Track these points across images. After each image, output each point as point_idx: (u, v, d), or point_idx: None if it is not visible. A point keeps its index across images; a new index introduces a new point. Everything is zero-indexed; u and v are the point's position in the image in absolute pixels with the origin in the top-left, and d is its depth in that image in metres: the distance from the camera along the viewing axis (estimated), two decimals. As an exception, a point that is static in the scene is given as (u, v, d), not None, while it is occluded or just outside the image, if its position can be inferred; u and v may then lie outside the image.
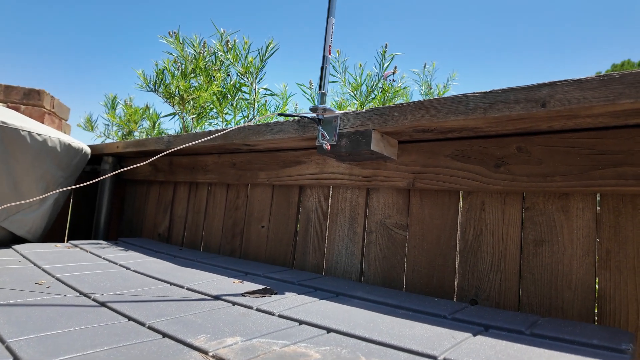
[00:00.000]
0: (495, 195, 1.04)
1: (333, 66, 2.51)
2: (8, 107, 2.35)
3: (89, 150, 2.12)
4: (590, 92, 0.76)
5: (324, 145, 1.13)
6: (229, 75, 2.23)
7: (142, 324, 0.81)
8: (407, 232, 1.19)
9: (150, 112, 2.49)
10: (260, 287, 1.13)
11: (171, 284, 1.17)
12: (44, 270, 1.26)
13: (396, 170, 1.20)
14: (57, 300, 0.95)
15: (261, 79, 2.13)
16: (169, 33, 2.14)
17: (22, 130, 1.55)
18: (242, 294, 1.05)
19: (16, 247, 1.59)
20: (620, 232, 0.87)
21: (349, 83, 2.83)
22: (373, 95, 2.94)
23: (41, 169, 1.67)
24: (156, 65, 2.18)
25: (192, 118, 2.19)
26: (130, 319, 0.85)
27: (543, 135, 0.95)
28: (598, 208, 0.90)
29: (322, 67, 1.17)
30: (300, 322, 0.83)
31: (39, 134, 1.61)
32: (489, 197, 1.05)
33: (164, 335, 0.76)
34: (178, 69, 2.17)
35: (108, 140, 2.47)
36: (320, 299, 1.02)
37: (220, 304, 0.97)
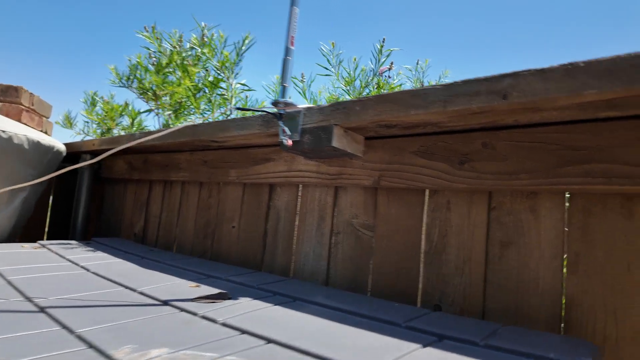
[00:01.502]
0: (462, 194, 0.98)
1: (327, 60, 2.45)
2: (-17, 104, 2.30)
3: (62, 148, 2.06)
4: (554, 83, 0.69)
5: (285, 141, 1.07)
6: (207, 70, 2.17)
7: (72, 332, 0.76)
8: (374, 232, 1.13)
9: (129, 109, 2.43)
10: (217, 291, 1.07)
11: (125, 287, 1.11)
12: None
13: (362, 167, 1.14)
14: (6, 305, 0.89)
15: (237, 73, 2.07)
16: (145, 28, 2.09)
17: (-16, 127, 1.49)
18: (194, 299, 1.00)
19: (-21, 247, 1.54)
20: (589, 233, 0.80)
21: (342, 77, 2.76)
22: (367, 91, 2.87)
23: (7, 167, 1.62)
24: (129, 60, 2.13)
25: (169, 114, 2.14)
26: (64, 326, 0.80)
27: (509, 130, 0.89)
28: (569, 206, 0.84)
29: (284, 59, 1.11)
30: (243, 332, 0.78)
31: (3, 131, 1.56)
32: (455, 196, 0.99)
33: (90, 345, 0.70)
34: (154, 64, 2.12)
35: (87, 138, 2.43)
36: (274, 305, 0.96)
37: (167, 310, 0.91)
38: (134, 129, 2.42)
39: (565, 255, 0.83)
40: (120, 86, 2.18)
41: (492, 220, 0.92)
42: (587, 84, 0.66)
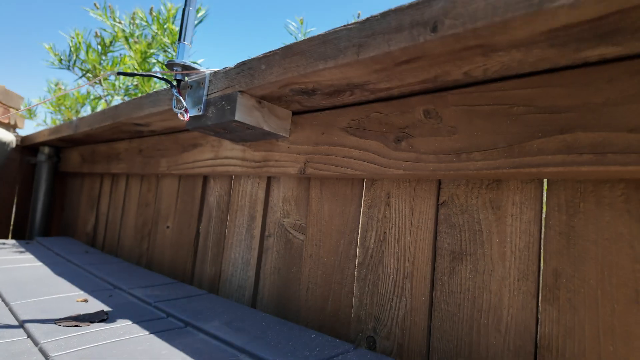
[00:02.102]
0: (404, 185, 0.71)
1: (295, 38, 2.19)
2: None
3: (9, 139, 1.89)
4: (507, -1, 0.42)
5: (179, 115, 0.83)
6: (165, 50, 1.95)
7: None
8: (306, 235, 0.87)
9: (75, 95, 2.23)
10: (97, 310, 0.84)
11: (2, 300, 0.90)
12: None
13: (288, 151, 0.88)
14: None
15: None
16: (95, 5, 1.87)
17: None
18: (60, 320, 0.77)
19: None
20: (576, 242, 0.52)
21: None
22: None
23: None
24: (72, 39, 1.92)
25: (123, 100, 1.93)
26: None
27: (459, 91, 0.61)
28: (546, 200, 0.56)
29: (184, 10, 0.86)
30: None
31: None
32: (396, 187, 0.72)
33: None
34: (99, 44, 1.91)
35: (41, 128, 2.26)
36: (150, 333, 0.72)
37: (13, 335, 0.69)
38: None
39: (540, 275, 0.55)
40: (60, 68, 1.98)
41: (441, 220, 0.65)
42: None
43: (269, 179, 0.99)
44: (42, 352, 0.64)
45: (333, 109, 0.80)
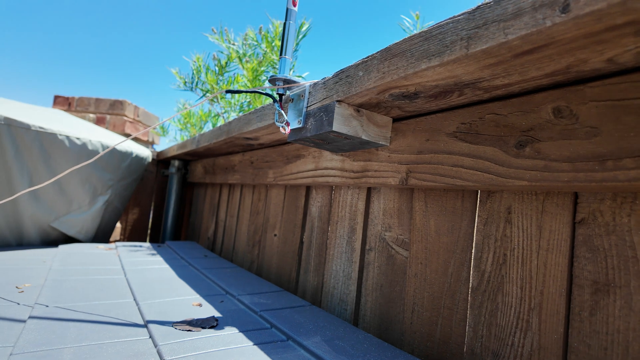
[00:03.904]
0: (528, 198, 0.60)
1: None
2: (97, 117, 2.60)
3: (145, 154, 2.17)
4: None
5: (281, 128, 0.84)
6: (274, 67, 2.04)
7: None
8: (410, 252, 0.80)
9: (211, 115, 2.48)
10: (208, 316, 0.89)
11: (134, 299, 1.01)
12: (48, 273, 1.24)
13: (388, 161, 0.82)
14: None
15: (293, 65, 1.87)
16: (213, 29, 2.07)
17: (60, 135, 1.61)
18: (176, 323, 0.83)
19: (62, 246, 1.66)
20: None
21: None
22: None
23: (85, 171, 1.73)
24: (193, 63, 2.13)
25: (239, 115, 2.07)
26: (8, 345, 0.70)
27: (602, 82, 0.49)
28: None
29: (284, 24, 0.87)
30: (164, 385, 0.57)
31: (77, 138, 1.66)
32: (519, 200, 0.61)
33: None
34: (217, 65, 2.08)
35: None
36: (253, 344, 0.73)
37: (136, 335, 0.77)
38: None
39: None
40: (184, 90, 2.22)
41: (579, 243, 0.53)
42: None
43: (369, 189, 0.94)
44: (159, 354, 0.68)
45: (438, 113, 0.72)
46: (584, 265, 0.52)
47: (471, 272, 0.67)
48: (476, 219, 0.68)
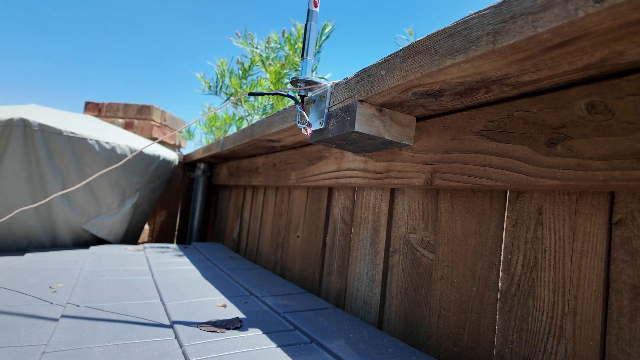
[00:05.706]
0: (560, 198, 0.57)
1: None
2: (125, 122, 2.68)
3: (172, 157, 2.22)
4: None
5: (302, 129, 0.83)
6: (297, 70, 2.05)
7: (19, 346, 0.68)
8: (435, 254, 0.78)
9: (236, 118, 2.51)
10: (233, 317, 0.89)
11: (160, 299, 1.03)
12: (79, 273, 1.28)
13: (412, 161, 0.81)
14: (22, 308, 0.89)
15: (315, 66, 1.87)
16: (237, 33, 2.09)
17: (90, 140, 1.66)
18: (201, 324, 0.84)
19: (92, 248, 1.72)
20: None
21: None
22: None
23: (114, 174, 1.78)
24: (218, 67, 2.16)
25: (261, 118, 2.08)
26: (31, 345, 0.73)
27: (637, 76, 0.46)
28: None
29: (306, 25, 0.87)
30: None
31: (107, 142, 1.72)
32: (550, 201, 0.58)
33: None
34: (241, 69, 2.10)
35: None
36: (277, 347, 0.73)
37: (163, 335, 0.78)
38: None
39: None
40: (209, 94, 2.25)
41: (616, 245, 0.50)
42: None
43: (392, 190, 0.93)
44: (184, 355, 0.69)
45: (464, 111, 0.70)
46: (622, 269, 0.49)
47: (500, 275, 0.65)
48: (505, 220, 0.65)
